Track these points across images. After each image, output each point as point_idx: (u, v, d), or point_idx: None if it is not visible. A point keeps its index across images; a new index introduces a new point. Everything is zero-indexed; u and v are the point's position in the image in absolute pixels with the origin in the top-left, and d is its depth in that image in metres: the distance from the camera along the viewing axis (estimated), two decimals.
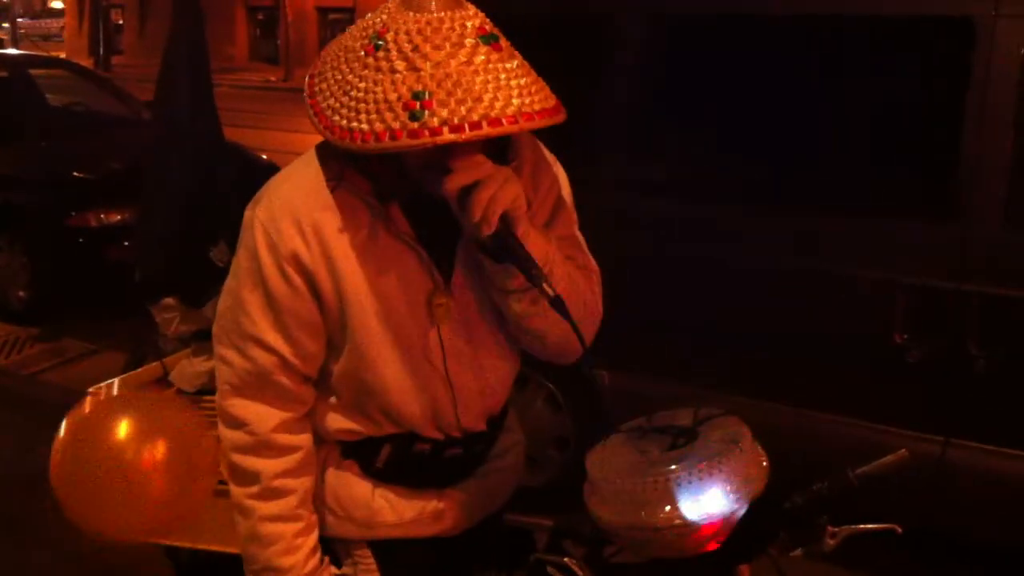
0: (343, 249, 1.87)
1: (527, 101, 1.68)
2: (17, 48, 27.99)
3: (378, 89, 1.67)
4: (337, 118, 1.71)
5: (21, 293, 7.64)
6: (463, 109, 1.63)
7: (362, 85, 1.69)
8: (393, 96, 1.65)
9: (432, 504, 2.09)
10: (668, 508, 1.71)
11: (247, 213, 1.94)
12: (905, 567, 4.05)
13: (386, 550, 2.10)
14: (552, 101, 1.73)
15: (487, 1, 1.81)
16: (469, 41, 1.68)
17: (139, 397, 2.63)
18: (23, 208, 7.62)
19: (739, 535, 1.78)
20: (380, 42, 1.70)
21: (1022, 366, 3.54)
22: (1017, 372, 3.54)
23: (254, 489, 1.98)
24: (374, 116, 1.66)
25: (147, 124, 7.83)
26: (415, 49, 1.66)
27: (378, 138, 1.65)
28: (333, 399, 2.02)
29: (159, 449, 2.37)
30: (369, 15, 1.78)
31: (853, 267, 3.81)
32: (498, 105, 1.65)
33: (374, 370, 1.94)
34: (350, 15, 30.23)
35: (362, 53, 1.72)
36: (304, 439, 2.01)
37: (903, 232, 3.75)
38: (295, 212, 1.87)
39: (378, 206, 1.88)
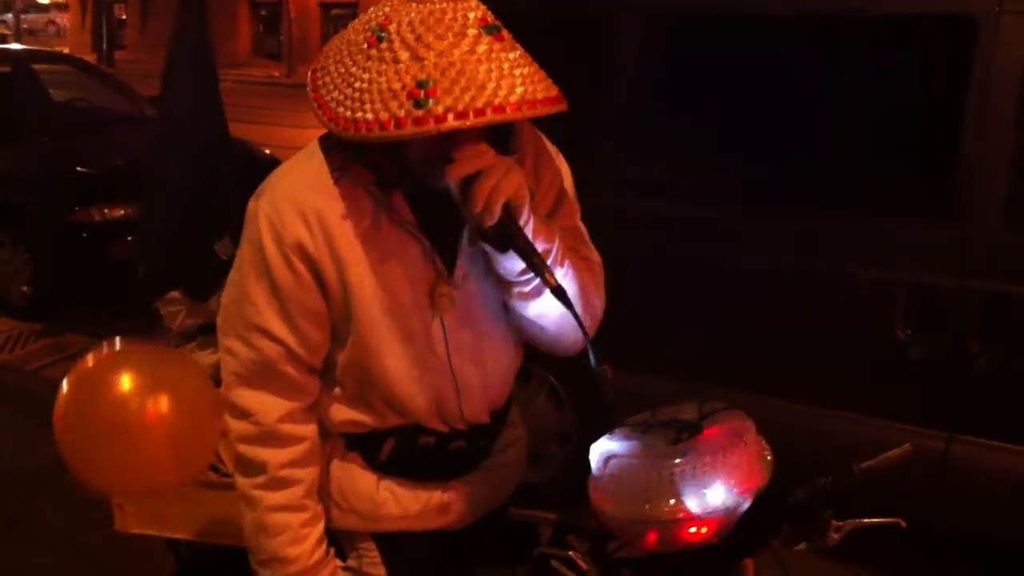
0: (347, 238, 1.88)
1: (530, 89, 1.69)
2: (20, 43, 27.99)
3: (381, 79, 1.68)
4: (341, 109, 1.72)
5: (23, 289, 7.64)
6: (467, 97, 1.64)
7: (365, 76, 1.71)
8: (397, 85, 1.66)
9: (436, 497, 2.10)
10: (672, 502, 1.72)
11: (251, 205, 1.95)
12: (908, 563, 4.05)
13: (391, 543, 2.11)
14: (554, 91, 1.74)
15: (487, 0, 1.81)
16: (472, 31, 1.70)
17: (142, 351, 2.62)
18: (25, 204, 7.62)
19: (743, 529, 1.78)
20: (383, 34, 1.71)
21: (1022, 364, 3.54)
22: (1018, 369, 3.54)
23: (260, 479, 1.99)
24: (378, 105, 1.67)
25: (151, 121, 7.86)
26: (418, 39, 1.68)
27: (383, 127, 1.66)
28: (337, 390, 2.02)
29: (162, 403, 2.38)
30: (371, 8, 1.79)
31: (854, 267, 3.81)
32: (502, 93, 1.66)
33: (378, 360, 1.95)
34: (353, 11, 30.23)
35: (365, 45, 1.74)
36: (310, 429, 2.02)
37: (903, 232, 3.75)
38: (299, 202, 1.88)
39: (381, 196, 1.89)
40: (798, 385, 3.93)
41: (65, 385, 2.43)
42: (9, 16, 41.87)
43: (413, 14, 1.70)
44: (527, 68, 1.72)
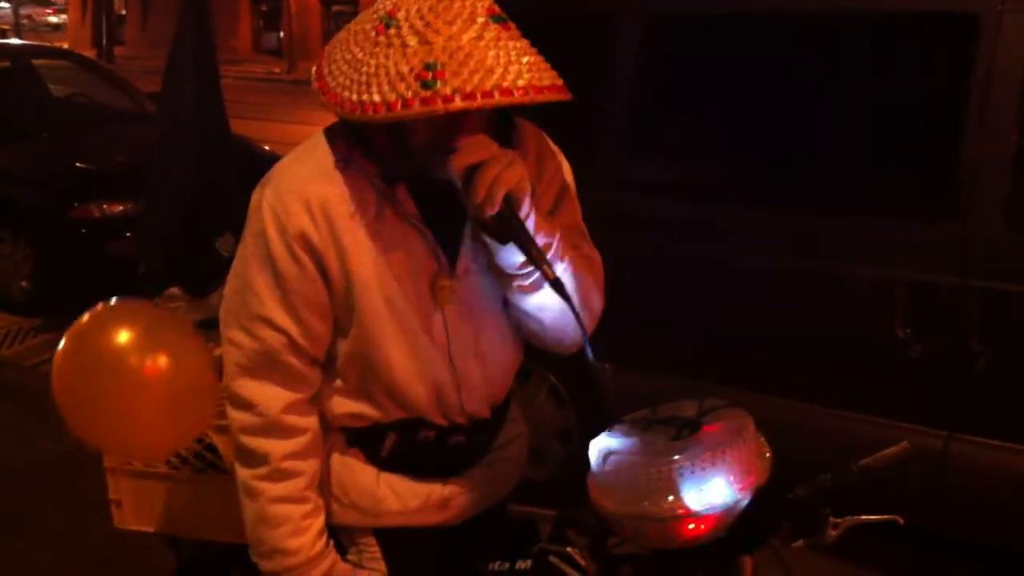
0: (350, 229, 1.89)
1: (536, 76, 1.71)
2: (20, 38, 27.98)
3: (389, 63, 1.70)
4: (347, 93, 1.74)
5: (23, 284, 7.65)
6: (475, 79, 1.65)
7: (373, 61, 1.72)
8: (405, 68, 1.68)
9: (437, 493, 2.10)
10: (671, 498, 1.72)
11: (254, 195, 1.96)
12: (906, 561, 4.05)
13: (391, 538, 2.11)
14: (559, 81, 1.75)
15: None
16: (480, 19, 1.72)
17: (139, 309, 2.63)
18: (25, 199, 7.64)
19: (742, 526, 1.78)
20: (391, 20, 1.73)
21: (1022, 363, 3.54)
22: (1018, 368, 3.54)
23: (262, 471, 1.99)
24: (386, 88, 1.68)
25: (151, 118, 7.87)
26: (427, 25, 1.70)
27: (390, 108, 1.67)
28: (339, 382, 2.03)
29: (160, 361, 2.39)
30: (379, 0, 1.81)
31: (854, 266, 3.81)
32: (509, 77, 1.68)
33: (379, 350, 1.95)
34: (354, 7, 30.25)
35: (373, 33, 1.75)
36: (312, 421, 2.03)
37: (904, 231, 3.75)
38: (303, 192, 1.89)
39: (384, 188, 1.90)
40: (798, 384, 3.94)
41: (63, 341, 2.44)
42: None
43: (422, 2, 1.72)
44: (533, 57, 1.74)
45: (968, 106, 3.58)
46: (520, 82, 1.68)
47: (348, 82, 1.75)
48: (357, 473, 2.09)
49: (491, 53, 1.69)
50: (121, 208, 7.31)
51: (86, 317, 2.51)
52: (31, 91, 9.20)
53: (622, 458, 1.82)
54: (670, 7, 4.44)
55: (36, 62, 9.79)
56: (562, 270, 1.87)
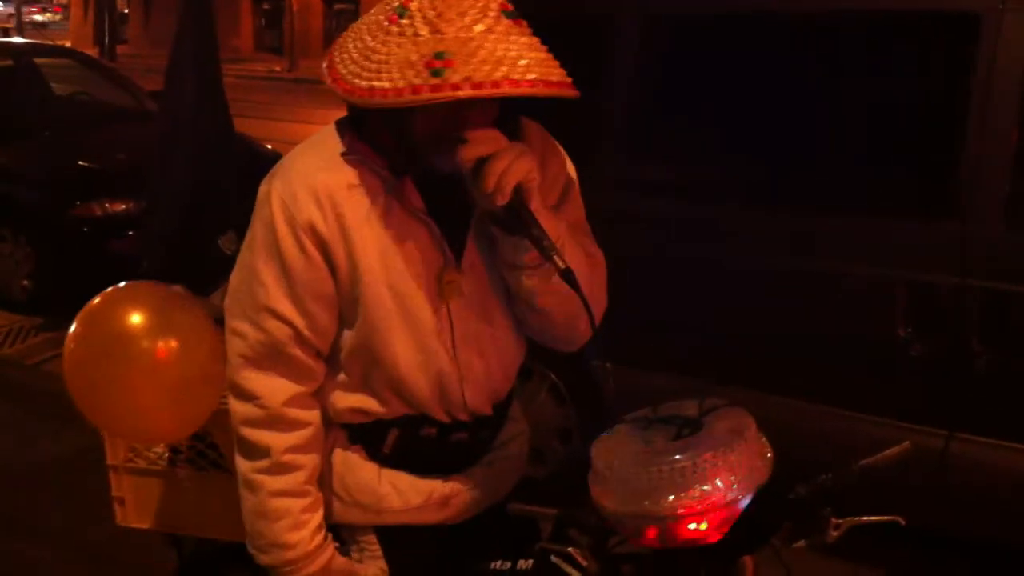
0: (358, 221, 1.90)
1: (545, 70, 1.73)
2: (22, 36, 27.97)
3: (400, 51, 1.72)
4: (358, 81, 1.76)
5: (24, 283, 7.64)
6: (485, 68, 1.68)
7: (384, 49, 1.74)
8: (415, 56, 1.70)
9: (438, 491, 2.11)
10: (672, 497, 1.72)
11: (262, 187, 1.97)
12: (907, 561, 4.05)
13: (392, 536, 2.12)
14: (568, 78, 1.77)
15: None
16: (492, 13, 1.74)
17: (150, 291, 2.64)
18: (26, 198, 7.64)
19: (743, 526, 1.78)
20: (404, 11, 1.76)
21: (1022, 362, 3.54)
22: (1018, 368, 3.54)
23: (263, 463, 2.00)
24: (396, 74, 1.70)
25: (153, 116, 7.85)
26: (439, 15, 1.72)
27: (399, 93, 1.69)
28: (342, 376, 2.04)
29: (170, 343, 2.40)
30: None
31: (854, 266, 3.81)
32: (518, 69, 1.70)
33: (384, 343, 1.96)
34: (355, 6, 30.28)
35: (385, 23, 1.78)
36: (314, 415, 2.03)
37: (903, 231, 3.75)
38: (312, 183, 1.90)
39: (393, 180, 1.91)
40: (798, 383, 3.94)
41: (75, 323, 2.45)
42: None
43: None
44: (542, 53, 1.76)
45: (968, 106, 3.58)
46: (529, 75, 1.70)
47: (359, 69, 1.76)
48: (359, 470, 2.10)
49: (501, 46, 1.71)
50: (123, 207, 7.30)
51: (98, 299, 2.52)
52: (33, 90, 9.20)
53: (623, 457, 1.82)
54: (669, 7, 4.44)
55: (38, 60, 9.79)
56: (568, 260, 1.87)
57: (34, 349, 6.96)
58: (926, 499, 3.59)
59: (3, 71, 9.34)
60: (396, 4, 1.78)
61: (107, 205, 7.34)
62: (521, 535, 2.18)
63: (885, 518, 1.88)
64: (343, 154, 1.92)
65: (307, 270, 1.92)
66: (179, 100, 3.36)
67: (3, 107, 8.62)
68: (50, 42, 18.44)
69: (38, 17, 39.09)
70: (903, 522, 1.90)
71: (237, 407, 2.02)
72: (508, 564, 2.11)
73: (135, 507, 2.91)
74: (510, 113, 1.91)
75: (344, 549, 2.14)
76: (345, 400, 2.04)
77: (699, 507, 1.72)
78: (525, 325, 2.09)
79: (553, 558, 2.01)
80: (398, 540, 2.12)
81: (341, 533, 2.13)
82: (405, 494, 2.09)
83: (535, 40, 1.77)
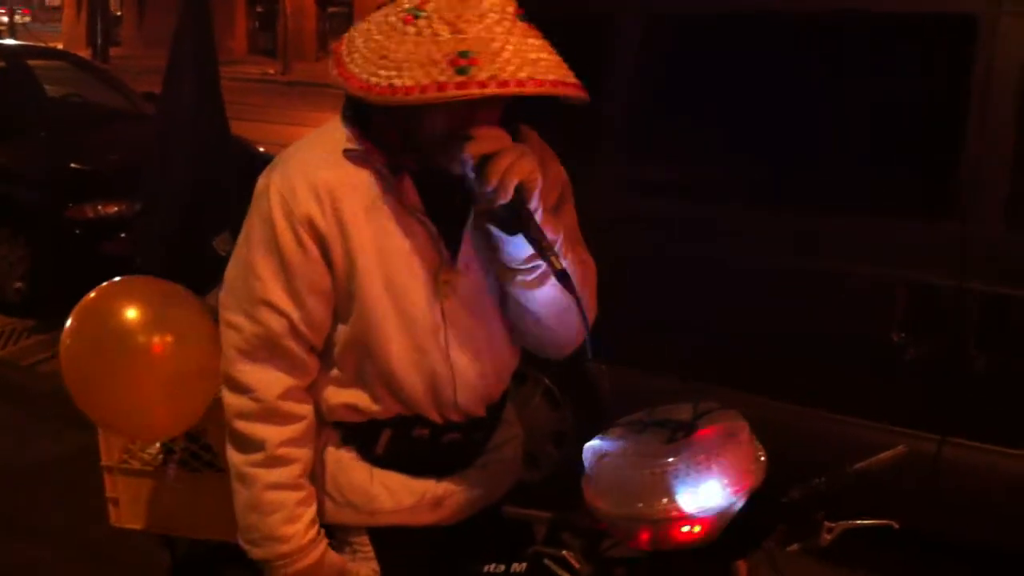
0: (356, 216, 1.91)
1: (563, 73, 1.77)
2: (15, 38, 27.92)
3: (420, 51, 1.74)
4: (375, 79, 1.76)
5: (18, 284, 7.63)
6: (510, 68, 1.71)
7: (402, 49, 1.76)
8: (438, 55, 1.72)
9: (431, 492, 2.11)
10: (665, 500, 1.72)
11: (261, 181, 1.98)
12: (900, 565, 4.06)
13: (384, 538, 2.12)
14: (580, 83, 1.80)
15: None
16: (508, 17, 1.78)
17: (147, 285, 2.64)
18: (20, 200, 7.62)
19: (736, 529, 1.78)
20: (420, 12, 1.77)
21: (1020, 365, 3.54)
22: (1015, 371, 3.54)
23: (258, 457, 2.00)
24: (418, 72, 1.72)
25: (146, 117, 7.85)
26: (458, 17, 1.75)
27: (423, 90, 1.71)
28: (335, 372, 2.04)
29: (166, 337, 2.40)
30: None
31: (853, 266, 3.81)
32: (540, 69, 1.73)
33: (378, 339, 1.96)
34: (349, 8, 30.27)
35: (400, 24, 1.79)
36: (307, 409, 2.04)
37: (903, 231, 3.76)
38: (311, 178, 1.91)
39: (392, 178, 1.92)
40: (794, 386, 3.94)
41: (71, 318, 2.45)
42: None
43: None
44: (556, 56, 1.80)
45: (967, 107, 3.59)
46: (551, 75, 1.74)
47: (374, 68, 1.77)
48: (351, 471, 2.10)
49: (522, 47, 1.74)
50: (116, 209, 7.29)
51: (93, 293, 2.52)
52: (26, 91, 9.18)
53: (617, 460, 1.83)
54: (670, 7, 4.45)
55: (31, 62, 9.78)
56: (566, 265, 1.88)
57: (27, 351, 6.95)
58: (919, 503, 3.60)
59: None
60: (409, 5, 1.79)
61: (100, 207, 7.33)
62: (515, 538, 2.19)
63: (879, 522, 1.89)
64: (345, 150, 1.93)
65: (304, 264, 1.93)
66: (177, 101, 3.37)
67: None
68: (43, 44, 18.42)
69: (3, 18, 38.82)
70: (896, 526, 1.90)
71: (231, 400, 2.02)
72: (502, 567, 2.11)
73: (129, 508, 2.90)
74: (510, 118, 1.92)
75: (337, 550, 2.13)
76: (338, 396, 2.05)
77: (692, 510, 1.72)
78: (517, 330, 2.10)
79: (547, 561, 2.01)
80: (391, 541, 2.12)
81: (334, 534, 2.12)
82: (397, 495, 2.09)
83: (547, 43, 1.81)
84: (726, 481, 1.73)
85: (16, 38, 28.45)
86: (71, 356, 2.51)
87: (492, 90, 1.69)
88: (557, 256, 1.80)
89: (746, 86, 4.16)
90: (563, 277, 1.78)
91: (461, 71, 1.69)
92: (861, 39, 3.97)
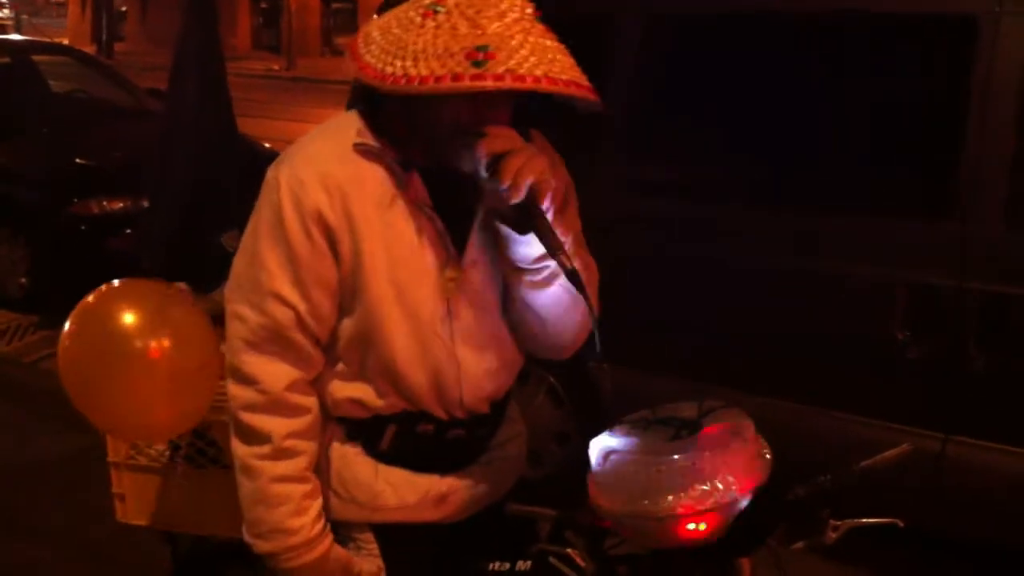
0: (364, 210, 1.92)
1: (577, 75, 1.79)
2: (20, 34, 27.92)
3: (437, 42, 1.76)
4: (390, 69, 1.78)
5: (21, 281, 7.65)
6: (527, 64, 1.73)
7: (419, 41, 1.78)
8: (455, 47, 1.74)
9: (435, 488, 2.11)
10: (670, 498, 1.72)
11: (269, 173, 1.98)
12: (903, 563, 4.05)
13: (389, 535, 2.12)
14: (593, 88, 1.83)
15: None
16: (527, 17, 1.81)
17: (145, 288, 2.64)
18: (24, 196, 7.64)
19: (740, 527, 1.79)
20: (439, 8, 1.80)
21: (1021, 364, 3.54)
22: (1016, 370, 3.54)
23: (264, 449, 1.99)
24: (434, 63, 1.74)
25: (150, 114, 7.86)
26: (478, 13, 1.77)
27: (438, 80, 1.73)
28: (340, 366, 2.04)
29: (165, 342, 2.40)
30: None
31: (853, 267, 3.81)
32: (556, 68, 1.76)
33: (382, 334, 1.97)
34: (353, 5, 30.28)
35: (418, 19, 1.81)
36: (313, 402, 2.04)
37: (903, 231, 3.76)
38: (321, 170, 1.92)
39: (401, 173, 1.93)
40: (796, 383, 3.94)
41: (69, 321, 2.45)
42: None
43: None
44: (571, 58, 1.82)
45: (968, 107, 3.60)
46: (565, 75, 1.76)
47: (390, 58, 1.79)
48: (356, 467, 2.10)
49: (539, 46, 1.77)
50: (120, 205, 7.32)
51: (92, 297, 2.52)
52: (31, 87, 9.19)
53: (622, 458, 1.83)
54: (670, 7, 4.45)
55: (36, 58, 9.79)
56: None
57: (31, 347, 6.96)
58: (922, 501, 3.60)
59: (1, 69, 9.33)
60: (429, 1, 1.82)
61: (104, 203, 7.35)
62: (519, 536, 2.19)
63: (884, 520, 1.89)
64: (355, 145, 1.94)
65: (312, 256, 1.93)
66: (182, 99, 3.37)
67: (1, 105, 8.60)
68: (48, 39, 18.42)
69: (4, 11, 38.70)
70: (901, 524, 1.91)
71: (237, 392, 2.02)
72: (507, 565, 2.11)
73: (135, 504, 2.91)
74: (517, 121, 1.92)
75: (340, 546, 2.13)
76: (343, 390, 2.05)
77: (697, 507, 1.73)
78: (519, 331, 2.10)
79: (552, 559, 2.02)
80: (395, 538, 2.12)
81: (338, 531, 2.12)
82: (402, 491, 2.09)
83: (563, 47, 1.83)
84: (731, 479, 1.73)
85: (22, 33, 28.45)
86: (69, 359, 2.50)
87: (508, 84, 1.71)
88: (567, 255, 1.80)
89: (746, 86, 4.17)
90: (573, 276, 1.79)
91: (478, 64, 1.71)
92: (862, 39, 3.97)
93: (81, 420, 2.63)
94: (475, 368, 2.05)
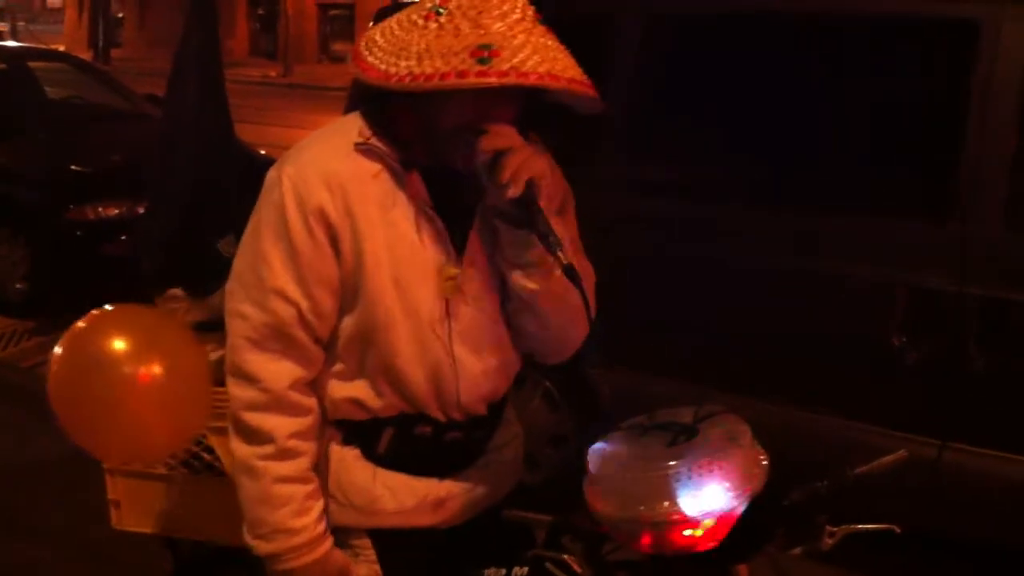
0: (365, 210, 1.93)
1: (579, 73, 1.84)
2: (16, 40, 27.92)
3: (440, 43, 1.80)
4: (394, 69, 1.82)
5: (19, 286, 7.64)
6: (530, 62, 1.77)
7: (422, 41, 1.82)
8: (458, 46, 1.78)
9: (433, 492, 2.11)
10: (667, 503, 1.72)
11: (271, 173, 2.00)
12: (901, 569, 4.05)
13: (386, 540, 2.12)
14: (595, 86, 1.87)
15: None
16: (528, 19, 1.84)
17: (137, 312, 2.63)
18: (21, 201, 7.63)
19: (738, 533, 1.78)
20: (441, 10, 1.83)
21: (1020, 368, 3.54)
22: (1015, 374, 3.54)
23: (267, 449, 2.00)
24: (439, 62, 1.77)
25: (147, 119, 7.86)
26: (480, 14, 1.81)
27: (443, 77, 1.76)
28: (339, 365, 2.05)
29: (157, 368, 2.39)
30: None
31: (853, 267, 3.81)
32: (559, 66, 1.80)
33: (382, 332, 1.98)
34: (350, 11, 30.28)
35: (420, 21, 1.85)
36: (313, 403, 2.04)
37: (903, 232, 3.76)
38: (324, 168, 1.94)
39: (402, 172, 1.95)
40: (794, 386, 3.94)
41: (59, 346, 2.44)
42: None
43: None
44: (573, 60, 1.86)
45: (968, 109, 3.60)
46: (567, 73, 1.81)
47: (394, 59, 1.83)
48: (354, 471, 2.10)
49: (542, 43, 1.81)
50: (117, 210, 7.32)
51: (81, 323, 2.50)
52: (27, 93, 9.20)
53: (619, 463, 1.83)
54: (670, 7, 4.46)
55: (32, 64, 9.80)
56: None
57: (28, 352, 6.95)
58: (920, 507, 3.59)
59: None
60: (431, 5, 1.85)
61: (101, 209, 7.35)
62: (516, 542, 2.19)
63: (881, 526, 1.89)
64: (356, 144, 1.95)
65: (314, 253, 1.94)
66: (181, 103, 3.37)
67: None
68: (44, 46, 18.42)
69: None
70: (898, 531, 1.90)
71: (239, 392, 2.02)
72: (503, 571, 2.11)
73: (130, 510, 2.90)
74: (519, 124, 1.93)
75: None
76: (342, 391, 2.05)
77: (694, 513, 1.72)
78: (517, 332, 2.11)
79: (548, 565, 2.01)
80: (392, 544, 2.12)
81: (335, 536, 2.12)
82: (399, 495, 2.10)
83: (564, 47, 1.86)
84: (728, 484, 1.73)
85: (17, 40, 28.45)
86: (60, 392, 2.48)
87: (512, 80, 1.74)
88: (564, 251, 1.82)
89: (747, 86, 4.17)
90: (570, 271, 1.80)
91: (482, 61, 1.74)
92: (862, 41, 3.97)
93: None
94: (473, 368, 2.06)
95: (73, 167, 7.82)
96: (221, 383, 2.12)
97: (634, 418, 1.94)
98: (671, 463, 1.75)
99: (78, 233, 7.31)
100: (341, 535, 2.13)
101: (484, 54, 1.75)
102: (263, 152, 8.52)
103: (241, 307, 2.00)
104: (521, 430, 2.34)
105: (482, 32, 1.78)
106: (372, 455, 2.10)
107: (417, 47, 1.81)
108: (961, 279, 3.59)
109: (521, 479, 2.33)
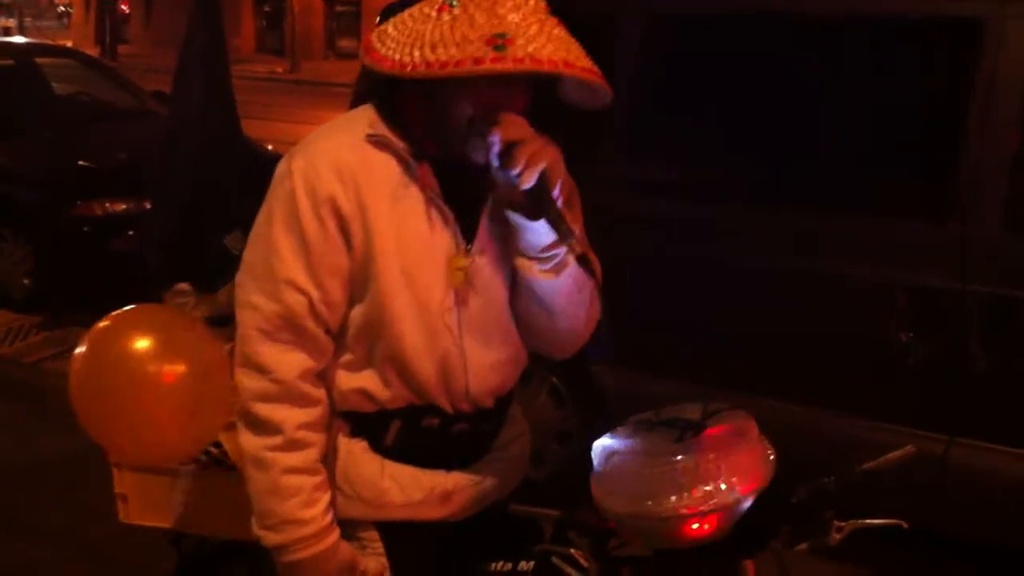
0: (376, 200, 1.94)
1: (590, 64, 1.87)
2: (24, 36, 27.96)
3: (454, 32, 1.81)
4: (408, 58, 1.83)
5: (24, 281, 7.66)
6: (546, 50, 1.79)
7: (436, 31, 1.83)
8: (473, 35, 1.80)
9: (440, 485, 2.11)
10: (674, 498, 1.72)
11: (281, 165, 2.00)
12: (907, 565, 4.05)
13: (394, 533, 2.12)
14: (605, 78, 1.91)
15: None
16: (542, 11, 1.86)
17: (159, 313, 2.64)
18: (27, 197, 7.65)
19: (744, 528, 1.79)
20: (455, 2, 1.85)
21: (1021, 367, 3.54)
22: (1018, 371, 3.54)
23: (276, 440, 1.99)
24: (453, 50, 1.79)
25: (153, 116, 7.88)
26: (495, 4, 1.82)
27: (458, 64, 1.78)
28: (348, 356, 2.05)
29: (178, 368, 2.39)
30: None
31: (853, 267, 3.81)
32: (572, 55, 1.83)
33: (391, 322, 1.98)
34: (356, 7, 30.31)
35: (433, 13, 1.86)
36: (323, 394, 2.04)
37: (904, 232, 3.76)
38: (335, 159, 1.94)
39: (413, 164, 1.96)
40: (798, 385, 3.94)
41: (81, 344, 2.45)
42: None
43: None
44: (583, 51, 1.88)
45: (969, 109, 3.60)
46: (580, 62, 1.83)
47: (408, 48, 1.84)
48: (361, 464, 2.10)
49: (556, 33, 1.83)
50: (123, 207, 7.33)
51: (103, 323, 2.51)
52: (34, 89, 9.21)
53: (625, 458, 1.83)
54: (670, 7, 4.46)
55: (39, 60, 9.81)
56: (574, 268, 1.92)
57: (33, 348, 6.96)
58: (926, 503, 3.59)
59: (4, 71, 9.35)
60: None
61: (107, 205, 7.36)
62: (522, 536, 2.19)
63: (888, 521, 1.89)
64: (368, 135, 1.96)
65: (325, 243, 1.95)
66: (187, 100, 3.37)
67: (4, 107, 8.61)
68: (51, 42, 18.44)
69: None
70: (906, 526, 1.90)
71: (248, 383, 2.02)
72: (509, 565, 2.11)
73: (137, 504, 2.91)
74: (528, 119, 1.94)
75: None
76: (350, 381, 2.05)
77: (700, 509, 1.73)
78: (527, 325, 2.10)
79: (555, 559, 2.02)
80: (400, 537, 2.12)
81: (343, 529, 2.12)
82: (407, 488, 2.10)
83: (574, 39, 1.88)
84: (735, 480, 1.74)
85: (25, 36, 28.50)
86: (81, 392, 2.49)
87: (528, 67, 1.76)
88: (577, 241, 1.83)
89: (747, 86, 4.17)
90: (584, 260, 1.82)
91: (498, 48, 1.76)
92: (863, 41, 3.97)
93: None
94: (481, 359, 2.06)
95: (80, 163, 7.85)
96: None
97: (641, 414, 1.94)
98: (678, 458, 1.75)
99: (85, 229, 7.32)
100: (349, 528, 2.13)
101: (499, 42, 1.76)
102: (270, 148, 8.55)
103: (252, 298, 2.00)
104: (527, 427, 2.34)
105: (497, 21, 1.80)
106: (379, 447, 2.10)
107: (431, 37, 1.82)
108: (962, 279, 3.58)
109: (528, 474, 2.33)
